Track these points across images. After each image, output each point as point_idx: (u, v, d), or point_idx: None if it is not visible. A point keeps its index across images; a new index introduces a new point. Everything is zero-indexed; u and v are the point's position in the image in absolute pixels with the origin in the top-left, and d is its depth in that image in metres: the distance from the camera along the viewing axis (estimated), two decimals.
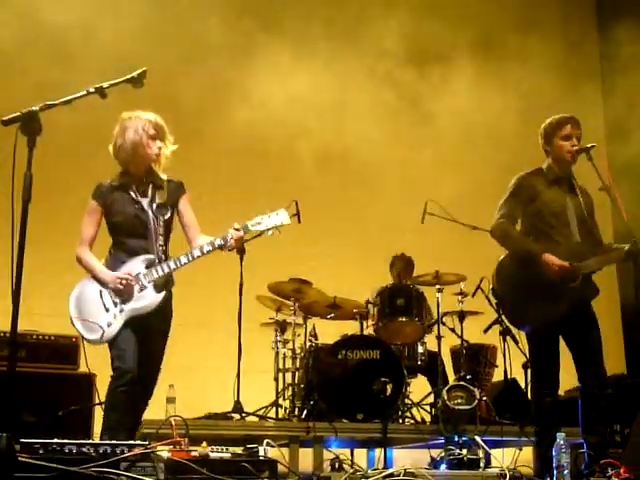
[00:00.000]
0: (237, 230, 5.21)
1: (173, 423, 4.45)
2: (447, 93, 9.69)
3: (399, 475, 4.14)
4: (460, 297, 7.92)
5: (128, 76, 4.43)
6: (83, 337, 5.11)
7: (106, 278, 5.13)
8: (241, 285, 7.37)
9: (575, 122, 5.74)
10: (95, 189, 5.32)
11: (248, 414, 7.33)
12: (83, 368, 6.83)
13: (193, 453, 3.91)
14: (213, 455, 3.93)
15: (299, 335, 8.01)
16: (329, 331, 8.05)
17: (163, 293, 5.18)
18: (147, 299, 5.15)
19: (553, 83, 10.07)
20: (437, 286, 7.85)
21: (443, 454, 6.26)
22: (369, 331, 7.96)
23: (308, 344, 7.80)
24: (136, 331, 5.10)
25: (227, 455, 3.96)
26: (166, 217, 5.29)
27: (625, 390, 6.86)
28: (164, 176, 5.38)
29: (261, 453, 4.11)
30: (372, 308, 8.00)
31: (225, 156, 9.17)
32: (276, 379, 7.90)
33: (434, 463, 6.55)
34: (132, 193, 5.28)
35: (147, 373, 5.19)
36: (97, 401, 6.64)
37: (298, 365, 7.84)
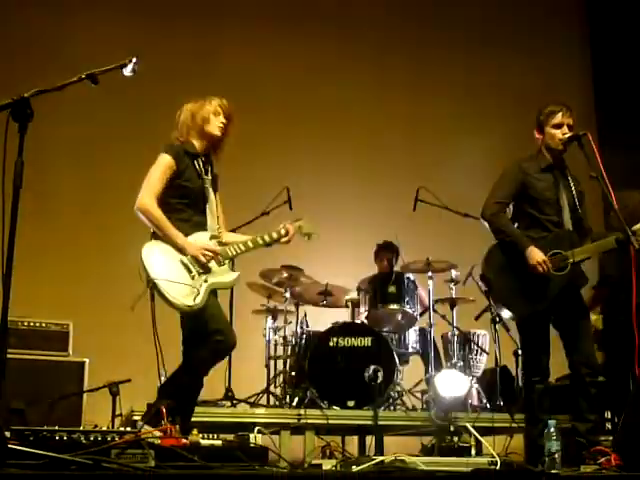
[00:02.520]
0: (290, 230, 5.39)
1: (164, 410, 4.43)
2: (440, 78, 9.73)
3: (390, 462, 4.13)
4: (451, 284, 7.94)
5: (120, 62, 4.40)
6: (172, 301, 4.84)
7: (187, 246, 4.98)
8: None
9: (567, 110, 5.74)
10: (169, 146, 5.17)
11: (239, 401, 7.34)
12: (74, 355, 6.87)
13: (184, 440, 3.91)
14: (204, 442, 3.93)
15: (290, 322, 8.02)
16: (321, 318, 8.06)
17: (238, 273, 5.25)
18: (228, 276, 5.16)
19: (544, 69, 10.09)
20: (428, 273, 7.86)
21: (434, 441, 6.27)
22: (360, 318, 7.98)
23: (299, 331, 7.81)
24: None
25: (218, 442, 3.97)
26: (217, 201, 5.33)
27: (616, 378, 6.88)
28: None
29: (252, 440, 4.11)
30: (363, 295, 8.00)
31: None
32: (267, 366, 7.90)
33: (425, 450, 6.57)
34: (198, 166, 5.22)
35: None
36: (87, 388, 6.68)
37: (289, 352, 7.84)
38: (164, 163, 5.10)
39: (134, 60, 4.32)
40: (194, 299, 4.88)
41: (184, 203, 5.14)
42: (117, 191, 8.54)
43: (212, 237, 5.14)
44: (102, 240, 8.87)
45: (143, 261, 4.90)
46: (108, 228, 8.77)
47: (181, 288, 4.87)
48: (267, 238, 5.30)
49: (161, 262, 4.92)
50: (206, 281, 4.99)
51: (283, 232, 5.36)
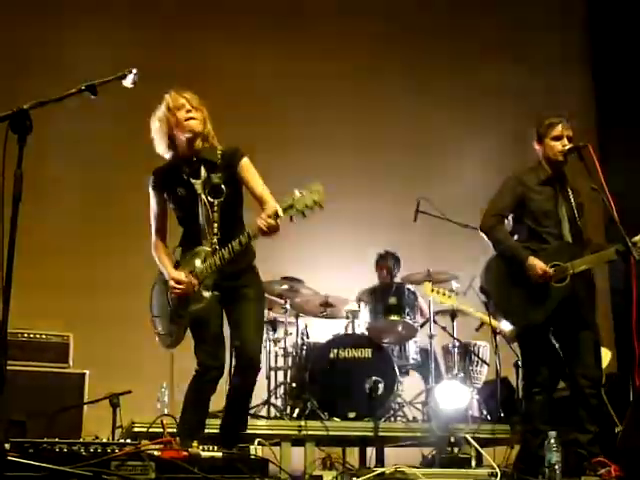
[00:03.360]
0: (266, 216, 4.64)
1: (164, 422, 4.43)
2: (440, 88, 9.73)
3: (390, 474, 4.13)
4: (452, 295, 7.92)
5: (120, 74, 4.41)
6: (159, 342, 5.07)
7: (168, 277, 4.98)
8: None
9: (566, 122, 5.76)
10: (152, 178, 5.10)
11: None
12: (74, 367, 6.86)
13: (184, 452, 3.90)
14: (204, 454, 3.92)
15: (291, 334, 8.00)
16: (321, 330, 8.05)
17: (209, 293, 4.93)
18: (198, 303, 4.95)
19: (547, 82, 10.10)
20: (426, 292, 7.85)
21: (434, 453, 6.27)
22: (361, 330, 7.97)
23: (300, 343, 7.80)
24: (208, 321, 4.99)
25: (218, 454, 3.96)
26: (222, 199, 4.96)
27: (616, 389, 6.87)
28: (218, 147, 5.08)
29: (252, 452, 4.11)
30: (363, 306, 8.00)
31: None
32: (268, 378, 7.88)
33: (426, 461, 6.57)
34: (184, 176, 5.01)
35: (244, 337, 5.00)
36: (87, 400, 6.67)
37: (290, 364, 7.83)
38: (151, 197, 5.13)
39: (134, 71, 4.32)
40: (169, 340, 5.04)
41: (181, 220, 5.13)
42: (121, 202, 8.59)
43: (204, 255, 4.93)
44: (103, 252, 8.86)
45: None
46: (110, 239, 8.78)
47: (162, 330, 5.07)
48: (244, 239, 4.78)
49: (156, 298, 5.13)
50: (180, 317, 5.00)
51: (263, 224, 4.63)
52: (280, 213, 4.59)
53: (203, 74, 9.15)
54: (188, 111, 4.96)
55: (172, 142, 5.03)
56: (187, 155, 5.04)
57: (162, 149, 5.07)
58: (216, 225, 4.95)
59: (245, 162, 5.03)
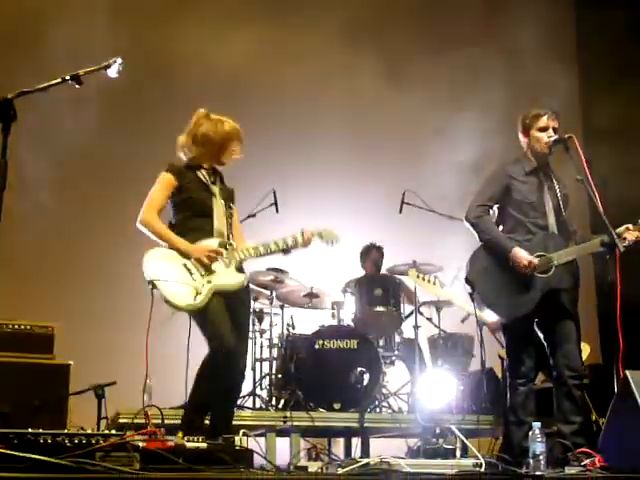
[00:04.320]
0: (307, 236, 5.48)
1: (149, 413, 4.42)
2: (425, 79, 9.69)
3: (375, 464, 4.13)
4: None
5: (104, 63, 4.39)
6: (170, 300, 4.98)
7: (190, 249, 5.12)
8: None
9: (552, 114, 5.77)
10: (170, 165, 5.35)
11: None
12: (59, 358, 6.84)
13: (169, 443, 3.89)
14: (189, 445, 3.91)
15: (276, 325, 8.01)
16: (306, 321, 8.06)
17: (244, 275, 5.28)
18: (233, 278, 5.20)
19: (534, 73, 10.08)
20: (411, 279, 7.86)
21: (419, 443, 6.27)
22: (347, 321, 7.98)
23: (285, 334, 7.81)
24: (223, 304, 5.11)
25: (203, 445, 3.95)
26: (230, 210, 5.43)
27: (600, 380, 6.89)
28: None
29: (237, 443, 4.10)
30: (349, 297, 8.01)
31: None
32: (253, 369, 7.88)
33: (411, 452, 6.58)
34: (203, 177, 5.36)
35: (238, 344, 5.13)
36: (72, 391, 6.65)
37: (275, 355, 7.84)
38: (164, 180, 5.30)
39: (118, 61, 4.31)
40: (194, 298, 4.98)
41: (191, 214, 5.27)
42: (106, 192, 8.55)
43: (221, 244, 5.22)
44: (87, 242, 8.81)
45: (144, 263, 5.03)
46: (94, 230, 8.72)
47: (180, 288, 4.98)
48: (281, 244, 5.37)
49: (161, 265, 5.06)
50: (209, 282, 5.07)
51: (300, 239, 5.45)
52: (317, 236, 5.55)
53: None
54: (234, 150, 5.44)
55: (214, 154, 5.39)
56: (208, 167, 5.41)
57: (203, 147, 5.38)
58: (228, 223, 5.37)
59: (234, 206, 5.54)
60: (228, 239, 5.29)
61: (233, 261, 5.22)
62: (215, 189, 5.36)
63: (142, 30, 8.99)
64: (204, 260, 5.08)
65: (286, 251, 5.44)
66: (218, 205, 5.32)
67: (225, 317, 5.07)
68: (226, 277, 5.17)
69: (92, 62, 4.30)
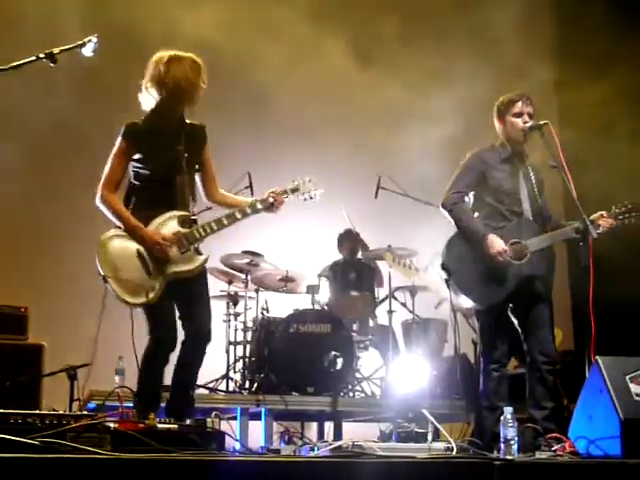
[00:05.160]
0: (277, 194, 5.09)
1: (121, 394, 4.42)
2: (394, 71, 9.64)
3: (347, 448, 4.14)
4: None
5: (79, 42, 4.37)
6: (121, 299, 4.79)
7: (143, 237, 4.82)
8: None
9: (527, 99, 5.77)
10: (126, 128, 4.95)
11: (198, 386, 7.30)
12: (32, 338, 6.81)
13: (140, 424, 3.89)
14: (160, 427, 3.91)
15: (251, 308, 8.01)
16: (281, 304, 8.06)
17: (205, 256, 4.98)
18: (192, 262, 4.92)
19: (509, 58, 10.05)
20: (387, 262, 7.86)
21: (392, 427, 6.29)
22: (321, 305, 7.98)
23: (260, 317, 7.81)
24: (175, 294, 4.91)
25: (174, 427, 3.95)
26: (195, 168, 5.06)
27: (573, 366, 6.94)
28: (190, 121, 5.09)
29: (209, 425, 4.10)
30: (324, 282, 8.01)
31: None
32: (227, 352, 7.88)
33: (383, 436, 6.60)
34: (167, 139, 4.96)
35: (199, 313, 4.99)
36: (45, 372, 6.63)
37: (249, 338, 7.84)
38: (119, 148, 4.96)
39: (94, 39, 4.28)
40: (147, 295, 4.78)
41: (150, 184, 4.96)
42: (75, 174, 8.46)
43: (182, 219, 4.92)
44: (60, 224, 8.75)
45: (97, 255, 4.84)
46: (66, 212, 8.65)
47: (133, 285, 4.79)
48: (249, 211, 5.03)
49: (115, 255, 4.85)
50: (164, 273, 4.85)
51: (271, 199, 5.07)
52: (289, 192, 5.15)
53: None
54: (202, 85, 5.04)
55: (181, 99, 4.98)
56: (174, 118, 5.04)
57: (153, 96, 4.99)
58: (190, 192, 5.01)
59: (207, 144, 5.15)
60: (192, 210, 4.99)
61: (192, 241, 4.91)
62: (179, 148, 4.94)
63: None
64: (155, 254, 4.83)
65: (257, 212, 5.09)
66: (181, 171, 4.92)
67: (170, 306, 4.91)
68: (182, 264, 4.89)
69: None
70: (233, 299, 8.10)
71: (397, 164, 8.85)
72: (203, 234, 4.94)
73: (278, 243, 8.77)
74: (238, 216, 5.01)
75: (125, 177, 5.01)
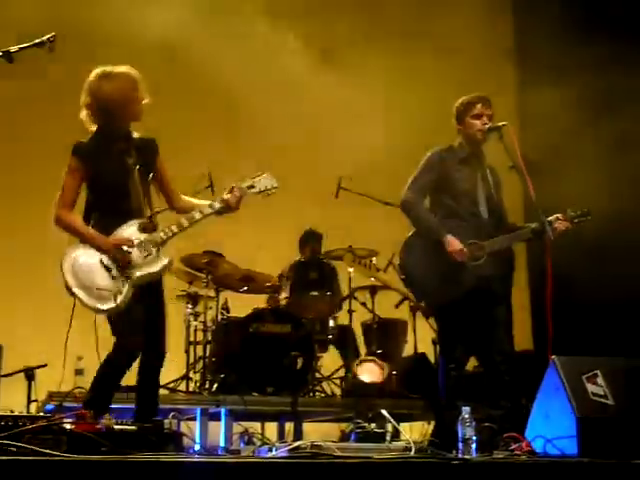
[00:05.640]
0: (234, 192, 5.10)
1: (78, 395, 4.39)
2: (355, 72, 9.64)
3: (305, 448, 4.14)
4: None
5: (37, 40, 4.33)
6: (90, 307, 4.80)
7: (102, 244, 4.84)
8: None
9: (486, 101, 5.81)
10: (76, 146, 4.96)
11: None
12: None
13: (97, 426, 3.86)
14: (117, 427, 3.89)
15: (211, 308, 7.99)
16: (241, 304, 8.04)
17: (169, 258, 5.00)
18: (155, 265, 4.93)
19: (466, 62, 10.10)
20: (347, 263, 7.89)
21: (351, 428, 6.31)
22: (282, 305, 7.98)
23: (220, 317, 7.79)
24: (142, 298, 4.91)
25: (132, 427, 3.93)
26: (149, 178, 5.07)
27: (532, 366, 6.99)
28: (136, 134, 5.12)
29: (166, 426, 4.09)
30: (284, 281, 8.01)
31: None
32: (187, 352, 7.85)
33: (343, 437, 6.61)
34: (116, 152, 4.99)
35: (157, 329, 5.03)
36: (2, 372, 6.57)
37: (209, 338, 7.82)
38: (71, 167, 4.98)
39: (51, 38, 4.25)
40: (115, 300, 4.80)
41: (106, 196, 4.98)
42: (29, 176, 8.40)
43: (142, 226, 4.96)
44: (18, 223, 8.69)
45: (61, 267, 4.85)
46: (22, 210, 8.58)
47: (99, 292, 4.80)
48: (207, 211, 5.06)
49: (79, 268, 4.86)
50: (128, 277, 4.86)
51: (226, 196, 5.09)
52: (245, 189, 5.16)
53: None
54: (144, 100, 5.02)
55: (122, 115, 4.99)
56: (121, 133, 5.05)
57: (104, 112, 4.97)
58: (147, 200, 5.04)
59: (160, 156, 5.18)
60: (149, 219, 5.01)
61: (154, 245, 4.93)
62: (130, 161, 4.97)
63: None
64: (116, 257, 4.85)
65: (219, 214, 5.12)
66: (134, 182, 4.96)
67: (137, 311, 4.89)
68: (146, 267, 4.91)
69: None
70: (193, 299, 8.07)
71: (358, 164, 8.85)
72: (164, 237, 4.98)
73: (239, 243, 8.75)
74: (197, 216, 5.04)
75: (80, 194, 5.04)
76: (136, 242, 4.91)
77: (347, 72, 9.29)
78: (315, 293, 7.92)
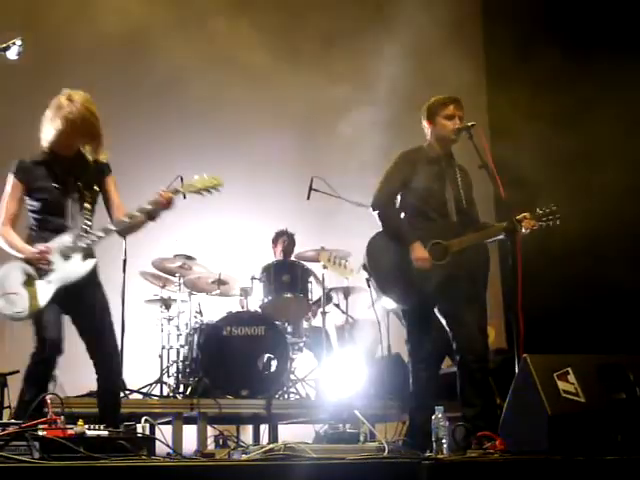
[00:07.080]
0: (166, 193, 5.11)
1: (49, 401, 4.36)
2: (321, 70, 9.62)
3: (279, 450, 4.15)
4: None
5: (3, 45, 4.32)
6: (6, 314, 4.95)
7: (24, 252, 4.97)
8: (125, 261, 7.29)
9: (458, 102, 5.85)
10: (17, 165, 5.14)
11: (132, 392, 7.26)
12: None
13: (69, 431, 3.85)
14: (90, 433, 3.88)
15: (184, 312, 7.97)
16: (214, 308, 8.03)
17: (92, 260, 5.08)
18: (78, 267, 5.02)
19: (437, 63, 10.12)
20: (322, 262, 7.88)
21: (326, 429, 6.32)
22: (255, 307, 7.97)
23: (193, 321, 7.78)
24: (64, 301, 5.00)
25: (104, 433, 3.92)
26: (90, 197, 5.17)
27: (505, 364, 7.02)
28: (89, 157, 5.21)
29: (139, 430, 4.08)
30: (257, 284, 8.00)
31: None
32: (160, 356, 7.84)
33: (318, 438, 6.62)
34: (56, 170, 5.12)
35: (99, 327, 5.12)
36: None
37: (183, 342, 7.80)
38: (10, 185, 5.13)
39: (18, 42, 4.23)
40: (30, 304, 4.91)
41: (44, 214, 5.11)
42: None
43: (73, 237, 5.06)
44: None
45: None
46: None
47: (14, 298, 4.92)
48: (138, 214, 5.10)
49: (4, 277, 4.99)
50: (49, 282, 4.96)
51: (156, 197, 5.09)
52: (179, 188, 5.19)
53: None
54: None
55: (71, 143, 5.13)
56: (66, 155, 5.17)
57: (56, 137, 5.08)
58: (84, 218, 5.13)
59: (112, 177, 5.31)
60: (83, 232, 5.10)
61: (77, 249, 5.02)
62: (70, 180, 5.12)
63: None
64: (34, 263, 4.96)
65: (151, 218, 5.13)
66: (72, 199, 5.12)
67: (56, 314, 5.00)
68: (68, 270, 5.01)
69: None
70: (166, 303, 8.06)
71: (329, 165, 8.86)
72: (90, 242, 5.08)
73: (211, 246, 8.74)
74: (125, 220, 5.12)
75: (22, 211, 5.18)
76: (57, 248, 5.00)
77: (318, 71, 9.28)
78: (288, 295, 7.90)
